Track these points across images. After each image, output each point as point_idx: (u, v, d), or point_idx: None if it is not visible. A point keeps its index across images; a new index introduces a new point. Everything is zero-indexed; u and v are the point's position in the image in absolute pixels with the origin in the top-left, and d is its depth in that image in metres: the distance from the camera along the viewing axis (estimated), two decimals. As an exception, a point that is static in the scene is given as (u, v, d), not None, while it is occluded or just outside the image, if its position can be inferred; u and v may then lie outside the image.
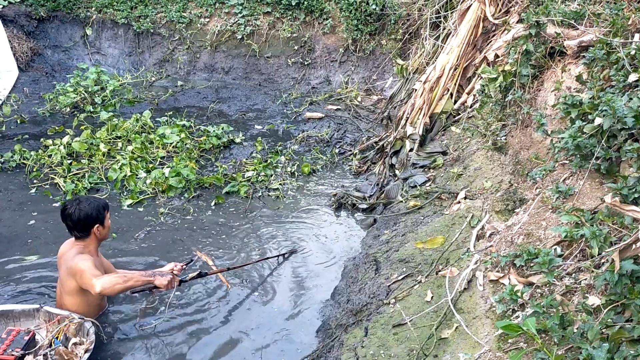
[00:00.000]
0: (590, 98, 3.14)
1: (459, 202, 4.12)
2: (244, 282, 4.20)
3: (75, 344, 3.23)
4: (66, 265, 3.48)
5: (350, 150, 6.66)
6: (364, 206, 5.24)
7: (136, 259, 4.37)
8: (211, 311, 3.84)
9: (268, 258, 4.46)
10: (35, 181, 5.57)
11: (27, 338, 3.18)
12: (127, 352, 3.44)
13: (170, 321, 3.69)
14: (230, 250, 4.60)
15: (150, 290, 3.51)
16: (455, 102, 5.85)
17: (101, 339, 3.37)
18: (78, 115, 6.82)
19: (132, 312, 3.77)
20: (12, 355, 3.07)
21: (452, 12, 6.50)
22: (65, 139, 6.04)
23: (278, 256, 4.52)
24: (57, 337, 3.26)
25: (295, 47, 8.81)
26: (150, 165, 5.85)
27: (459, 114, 5.69)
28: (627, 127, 2.73)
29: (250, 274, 4.29)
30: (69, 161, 5.83)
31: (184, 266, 3.96)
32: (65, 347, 3.21)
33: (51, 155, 5.89)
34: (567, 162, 3.31)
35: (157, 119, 6.93)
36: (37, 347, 3.20)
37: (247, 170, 5.94)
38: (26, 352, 3.13)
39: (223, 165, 5.97)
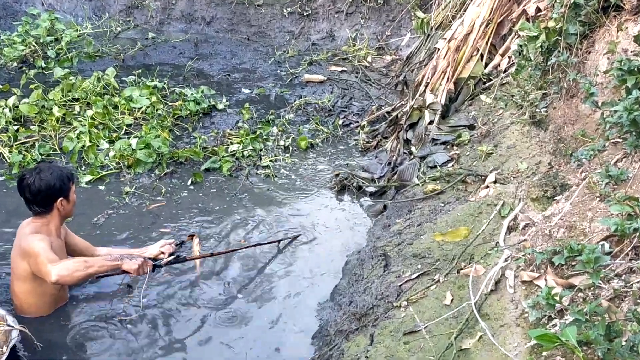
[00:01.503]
0: (652, 63, 3.11)
1: (488, 187, 4.12)
2: (227, 276, 4.20)
3: None
4: (18, 245, 3.50)
5: (357, 122, 6.62)
6: (373, 189, 5.24)
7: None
8: (187, 310, 3.86)
9: (262, 244, 4.50)
10: (-26, 151, 5.56)
11: None
12: (87, 354, 3.47)
13: (137, 323, 3.71)
14: (208, 239, 4.61)
15: (118, 275, 3.57)
16: (486, 65, 5.82)
17: (35, 347, 3.32)
18: (27, 71, 6.75)
19: (97, 306, 3.80)
20: None
21: (485, -45, 6.42)
22: (11, 101, 5.99)
23: (274, 242, 4.56)
24: None
25: (293, -6, 8.73)
26: (114, 135, 5.82)
27: (491, 80, 5.65)
28: (695, 99, 2.71)
29: (235, 267, 4.30)
30: (16, 127, 5.79)
31: (174, 246, 4.09)
32: None
33: (-6, 119, 5.86)
34: (620, 140, 3.29)
35: (123, 79, 6.87)
36: None
37: (232, 143, 5.92)
38: None
39: (202, 137, 5.95)
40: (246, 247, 4.44)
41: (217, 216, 4.92)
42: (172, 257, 3.90)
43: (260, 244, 4.49)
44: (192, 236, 4.45)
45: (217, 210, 5.01)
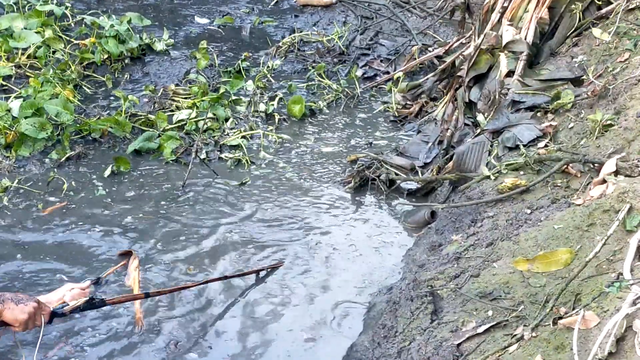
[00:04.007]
0: None
1: (604, 182, 4.12)
2: (174, 331, 4.20)
3: None
4: None
5: (388, 72, 6.63)
6: (413, 186, 5.27)
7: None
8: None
9: (228, 277, 4.50)
10: None
11: None
12: None
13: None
14: (141, 266, 4.62)
15: None
16: (602, -21, 5.83)
17: None
18: None
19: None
20: None
21: None
22: None
23: (250, 273, 4.58)
24: None
25: None
26: (-17, 94, 5.86)
27: (610, 3, 5.65)
28: None
29: (186, 315, 4.30)
30: None
31: (86, 288, 4.06)
32: None
33: None
34: None
35: (-2, 0, 6.92)
36: None
37: (179, 108, 5.95)
38: None
39: (130, 97, 5.95)
40: (202, 283, 4.43)
41: (152, 229, 4.92)
42: (83, 300, 3.88)
43: (226, 278, 4.49)
44: (126, 253, 4.46)
45: (152, 219, 5.02)
